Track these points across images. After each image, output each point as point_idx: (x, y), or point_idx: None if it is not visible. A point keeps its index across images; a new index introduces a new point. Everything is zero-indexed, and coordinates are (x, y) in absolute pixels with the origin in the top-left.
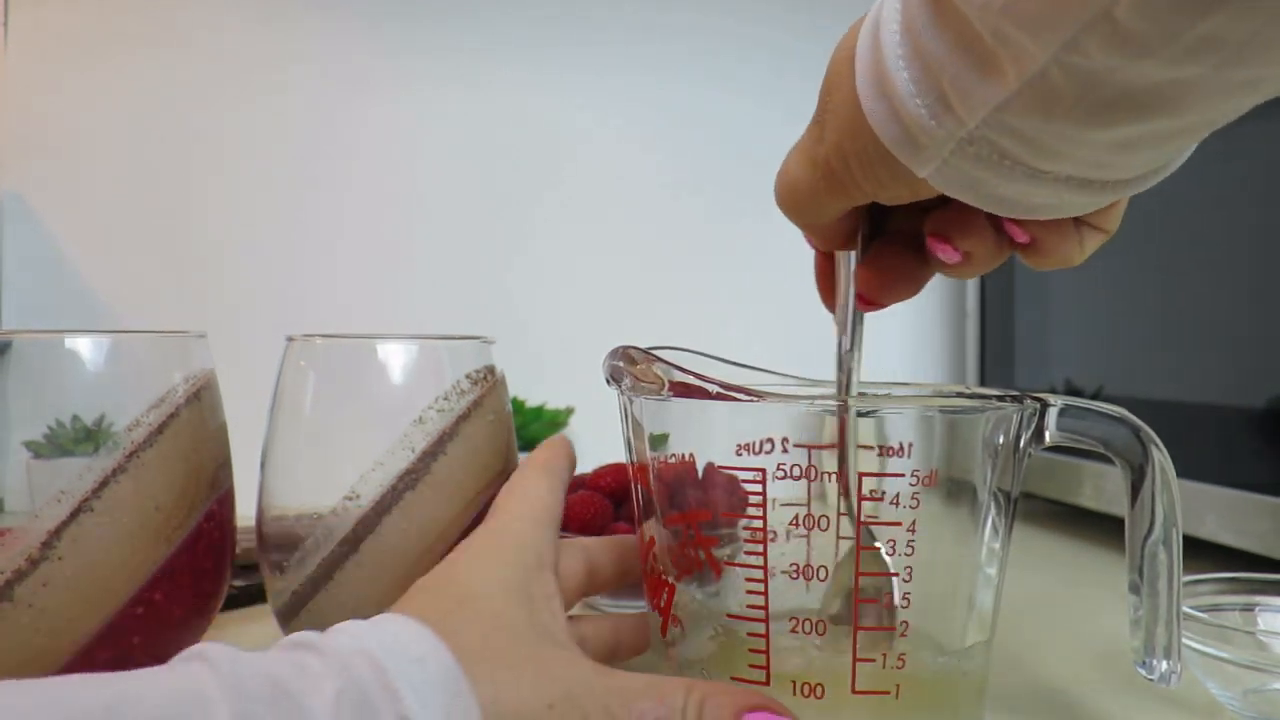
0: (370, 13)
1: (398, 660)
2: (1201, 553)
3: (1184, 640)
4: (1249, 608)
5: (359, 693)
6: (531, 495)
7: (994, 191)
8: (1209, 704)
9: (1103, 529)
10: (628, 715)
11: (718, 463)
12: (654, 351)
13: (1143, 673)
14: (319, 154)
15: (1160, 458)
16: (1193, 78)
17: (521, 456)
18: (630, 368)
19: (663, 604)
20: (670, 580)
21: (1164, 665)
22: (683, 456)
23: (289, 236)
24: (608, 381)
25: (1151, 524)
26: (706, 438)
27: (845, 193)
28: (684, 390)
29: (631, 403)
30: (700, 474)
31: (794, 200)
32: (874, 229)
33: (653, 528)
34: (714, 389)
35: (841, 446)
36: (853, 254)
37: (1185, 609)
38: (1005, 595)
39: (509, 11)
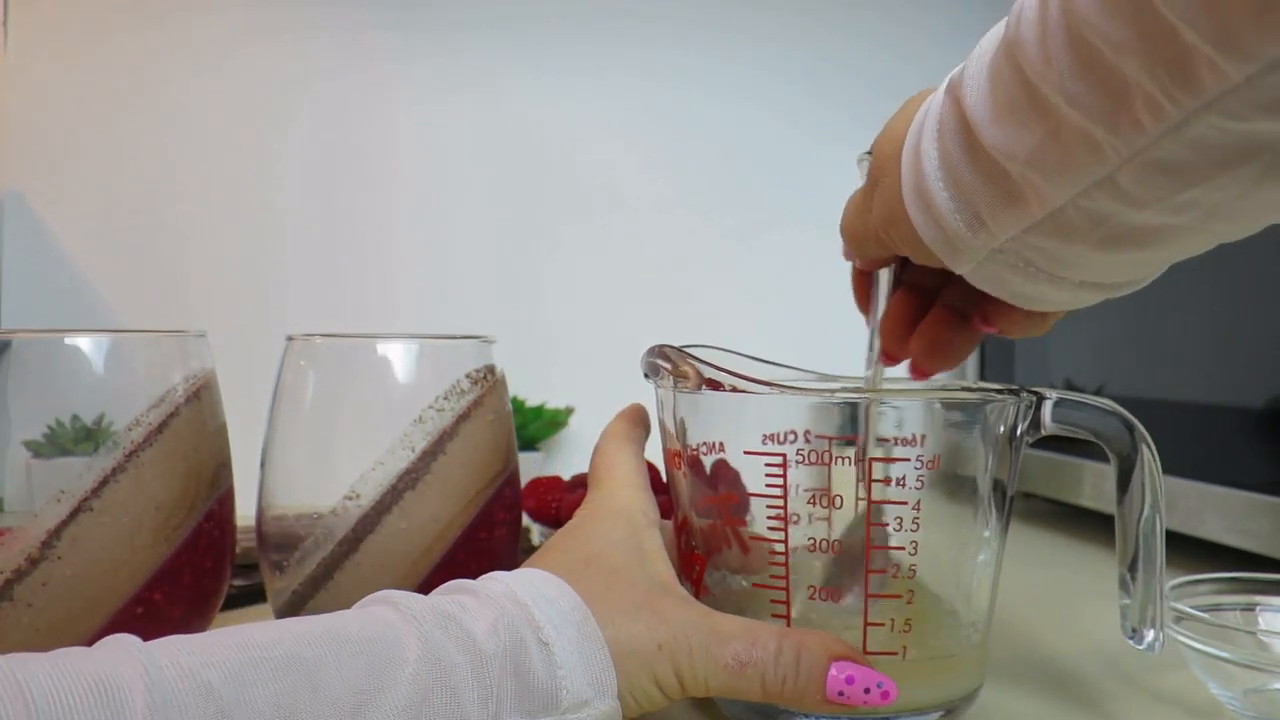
0: (375, 17)
1: (536, 599)
2: (1202, 552)
3: (1185, 640)
4: (1249, 607)
5: (509, 622)
6: (624, 465)
7: (1018, 290)
8: (1209, 704)
9: (1104, 528)
10: (724, 654)
11: (747, 450)
12: (686, 349)
13: (1132, 642)
14: (319, 155)
15: (1148, 448)
16: (1180, 225)
17: (521, 456)
18: (666, 364)
19: (695, 576)
20: (701, 554)
21: (1150, 635)
22: (714, 445)
23: (289, 236)
24: (645, 376)
25: (1142, 508)
26: (735, 428)
27: (886, 250)
28: (715, 385)
29: (674, 397)
30: (727, 463)
31: (850, 241)
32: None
33: (686, 508)
34: (730, 382)
35: (865, 436)
36: (885, 271)
37: (1186, 609)
38: (1007, 594)
39: (517, 17)
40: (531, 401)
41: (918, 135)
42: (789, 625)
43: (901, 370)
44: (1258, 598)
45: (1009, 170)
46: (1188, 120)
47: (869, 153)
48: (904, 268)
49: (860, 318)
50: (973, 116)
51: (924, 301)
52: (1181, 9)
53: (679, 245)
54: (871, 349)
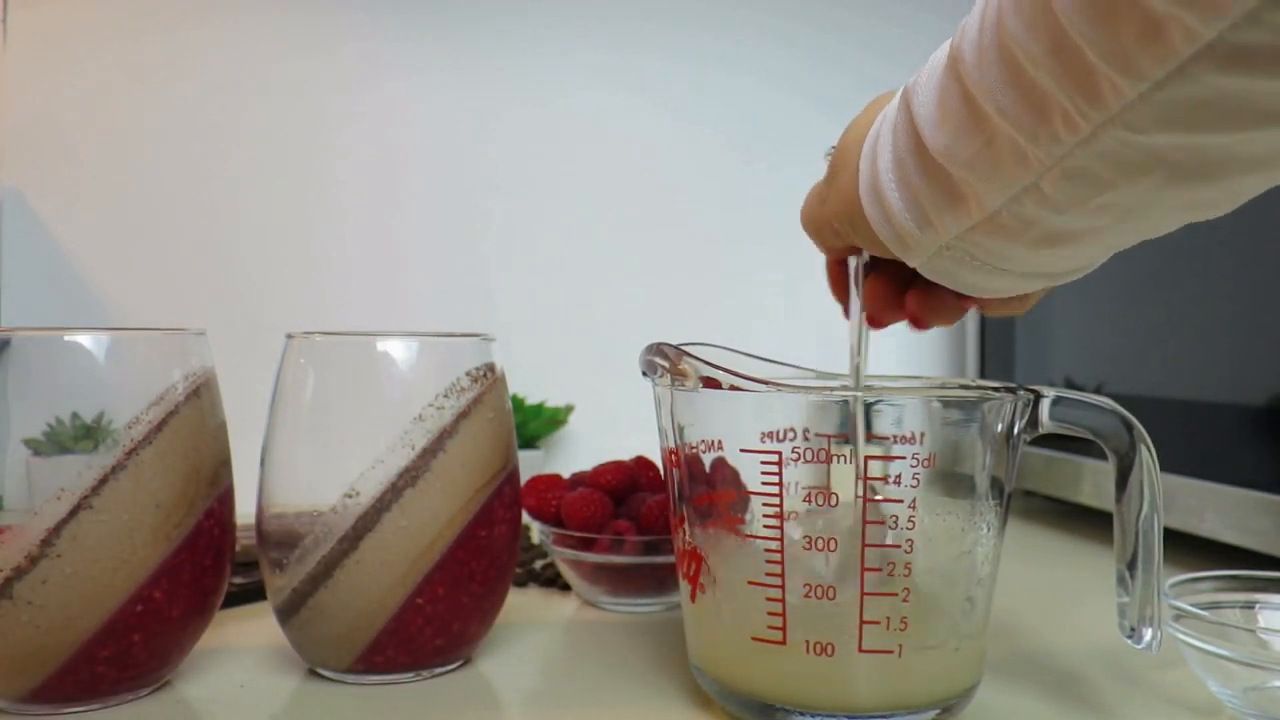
0: (375, 9)
1: None
2: (1202, 550)
3: (1184, 638)
4: (1249, 605)
5: None
6: None
7: (965, 280)
8: (1209, 702)
9: (1103, 526)
10: None
11: (743, 448)
12: (684, 347)
13: (1130, 641)
14: (319, 152)
15: (1146, 447)
16: (1100, 225)
17: (521, 454)
18: (664, 362)
19: (691, 573)
20: (699, 552)
21: (1149, 633)
22: (712, 443)
23: (289, 235)
24: (643, 374)
25: (1140, 506)
26: (733, 426)
27: (842, 240)
28: (713, 383)
29: (672, 395)
30: (725, 461)
31: (810, 232)
32: None
33: (684, 506)
34: (728, 380)
35: (854, 432)
36: (856, 260)
37: (1186, 606)
38: (1005, 591)
39: (516, 6)
40: (531, 399)
41: (876, 136)
42: (785, 622)
43: (893, 368)
44: (1257, 595)
45: (952, 175)
46: (1095, 133)
47: (835, 147)
48: (875, 257)
49: None
50: (921, 123)
51: (901, 282)
52: (1083, 30)
53: (679, 243)
54: (852, 337)
